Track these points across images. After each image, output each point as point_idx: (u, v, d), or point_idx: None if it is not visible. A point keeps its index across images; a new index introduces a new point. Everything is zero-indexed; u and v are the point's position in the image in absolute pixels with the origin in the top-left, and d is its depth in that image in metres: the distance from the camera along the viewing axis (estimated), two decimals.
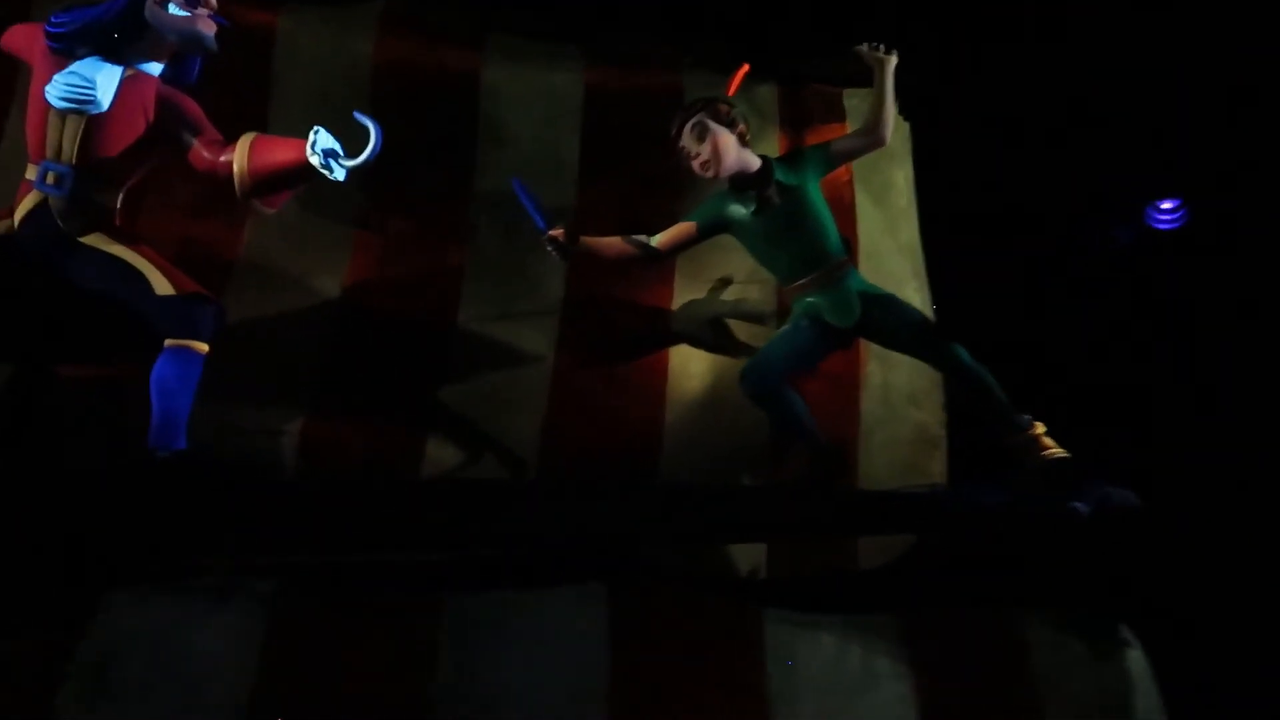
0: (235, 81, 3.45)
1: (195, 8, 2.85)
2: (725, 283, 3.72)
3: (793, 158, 3.34)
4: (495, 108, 3.77)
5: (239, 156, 2.87)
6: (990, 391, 3.12)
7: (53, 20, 2.85)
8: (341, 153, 2.83)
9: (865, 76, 4.02)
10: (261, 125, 3.33)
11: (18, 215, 2.89)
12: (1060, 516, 2.91)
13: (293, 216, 3.51)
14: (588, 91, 3.83)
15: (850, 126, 3.96)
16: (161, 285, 2.83)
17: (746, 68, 3.39)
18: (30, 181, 2.89)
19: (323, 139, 2.81)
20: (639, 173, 3.76)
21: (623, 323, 3.61)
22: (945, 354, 3.15)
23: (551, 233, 3.21)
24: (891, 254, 3.89)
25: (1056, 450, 3.09)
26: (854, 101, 4.09)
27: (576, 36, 3.89)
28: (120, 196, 2.99)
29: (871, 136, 3.29)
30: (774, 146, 3.85)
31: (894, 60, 3.27)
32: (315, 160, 2.79)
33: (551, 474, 3.35)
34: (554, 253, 3.23)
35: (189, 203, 3.44)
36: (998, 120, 3.98)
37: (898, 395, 3.73)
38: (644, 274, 3.60)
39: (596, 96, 3.83)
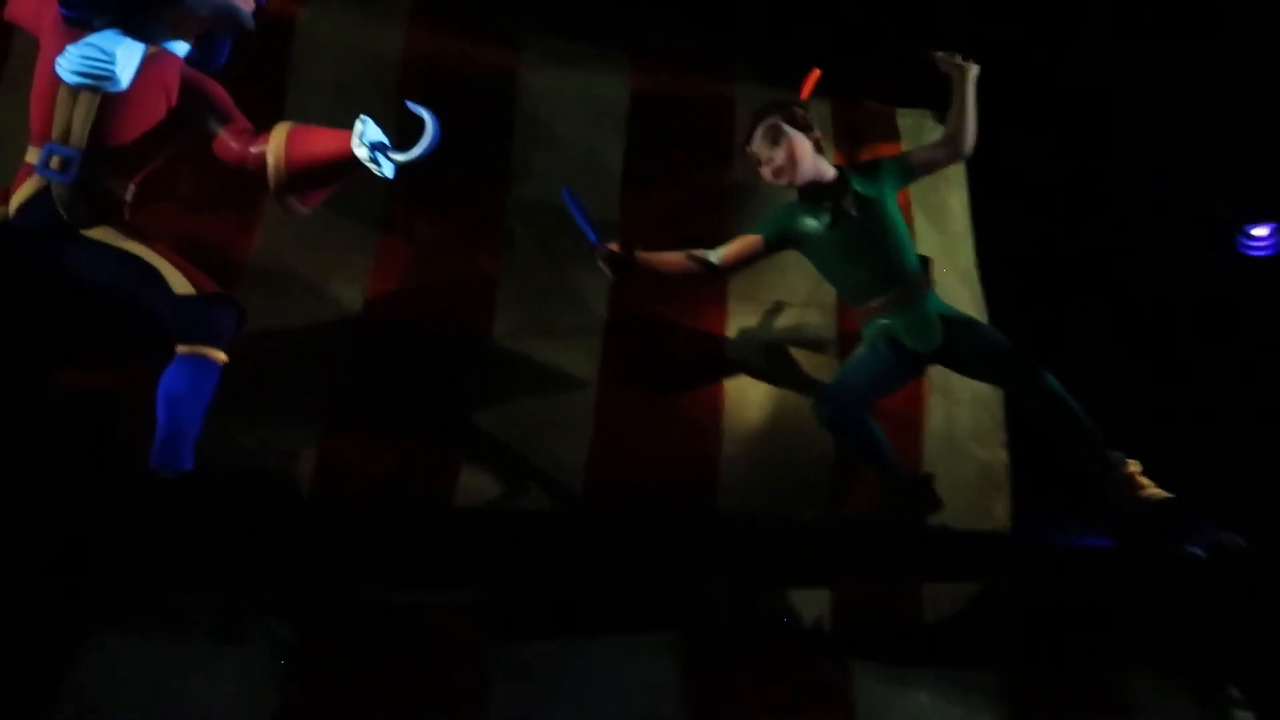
0: (250, 72, 3.13)
1: None
2: (782, 305, 3.44)
3: (869, 168, 3.08)
4: (534, 110, 3.48)
5: (274, 147, 2.56)
6: (1081, 425, 2.86)
7: None
8: (389, 146, 2.52)
9: (917, 95, 3.85)
10: (277, 119, 3.03)
11: (14, 203, 2.54)
12: (1173, 562, 2.63)
13: (309, 216, 3.18)
14: (633, 97, 3.57)
15: (905, 146, 3.75)
16: (180, 284, 2.49)
17: (818, 72, 3.15)
18: (31, 165, 2.54)
19: (370, 130, 2.51)
20: (687, 183, 3.50)
21: (673, 345, 3.31)
22: (1034, 382, 2.88)
23: (609, 246, 2.89)
24: (949, 279, 3.65)
25: (1156, 490, 2.82)
26: (907, 121, 3.89)
27: (620, 39, 3.63)
28: (131, 187, 2.65)
29: (953, 148, 3.05)
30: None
31: (975, 69, 3.04)
32: (362, 153, 2.48)
33: (599, 504, 3.00)
34: (607, 269, 2.91)
35: (191, 197, 3.10)
36: (1077, 143, 3.77)
37: (961, 433, 3.47)
38: (694, 294, 3.31)
39: (643, 102, 3.57)
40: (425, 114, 2.50)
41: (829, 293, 3.41)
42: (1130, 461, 2.86)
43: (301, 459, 2.92)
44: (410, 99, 3.29)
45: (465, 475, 3.01)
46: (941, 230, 3.73)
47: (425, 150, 2.51)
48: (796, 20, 3.70)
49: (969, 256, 3.73)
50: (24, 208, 2.54)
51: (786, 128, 2.97)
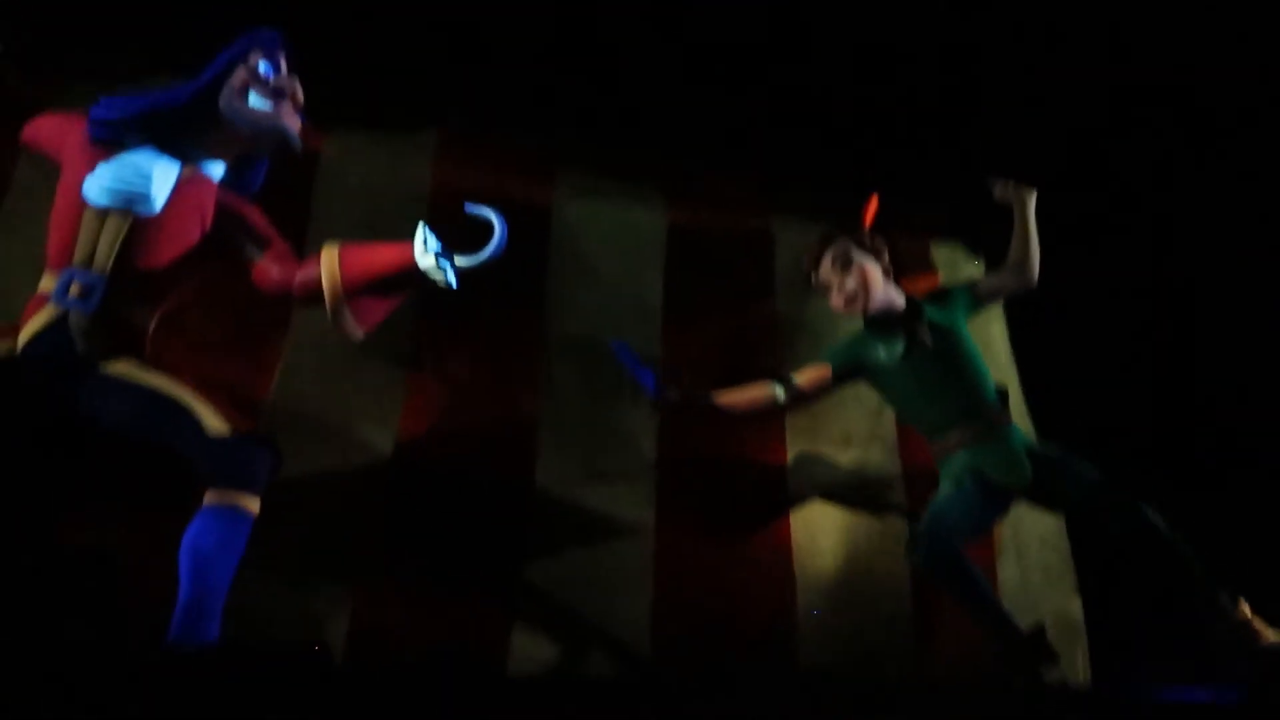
0: (268, 208, 2.97)
1: (280, 100, 2.38)
2: (844, 442, 3.23)
3: (939, 296, 2.95)
4: (570, 243, 3.33)
5: (328, 267, 2.34)
6: (1189, 563, 2.65)
7: (101, 104, 2.34)
8: (452, 253, 2.33)
9: (948, 226, 3.80)
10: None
11: (24, 335, 2.27)
12: None
13: (332, 352, 2.96)
14: (671, 229, 3.44)
15: (942, 278, 3.66)
16: (215, 423, 2.21)
17: (877, 198, 3.05)
18: (46, 294, 2.28)
19: (432, 239, 2.32)
20: (730, 317, 3.34)
21: (730, 487, 3.07)
22: (1136, 518, 2.68)
23: (670, 394, 2.67)
24: None
25: (1277, 635, 2.60)
26: (943, 253, 3.81)
27: (654, 172, 3.53)
28: (153, 318, 2.40)
29: (1020, 275, 2.93)
30: None
31: (1033, 195, 2.97)
32: (428, 261, 2.28)
33: (667, 666, 2.68)
34: (672, 412, 2.68)
35: (202, 334, 2.85)
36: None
37: (1034, 579, 3.23)
38: (749, 432, 3.10)
39: (681, 235, 3.45)
40: (493, 216, 2.32)
41: (889, 427, 3.23)
42: (1242, 602, 2.65)
43: (334, 623, 2.57)
44: (442, 233, 3.12)
45: (517, 638, 2.68)
46: (987, 361, 3.59)
47: (494, 253, 2.32)
48: (829, 154, 3.65)
49: (1015, 387, 3.58)
50: (36, 338, 2.27)
51: (857, 253, 2.85)
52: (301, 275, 2.40)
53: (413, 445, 2.90)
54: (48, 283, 2.31)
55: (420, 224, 2.32)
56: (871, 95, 3.60)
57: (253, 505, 2.23)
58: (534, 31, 3.60)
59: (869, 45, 3.48)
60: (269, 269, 2.43)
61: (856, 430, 3.25)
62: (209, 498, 2.22)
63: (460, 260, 2.32)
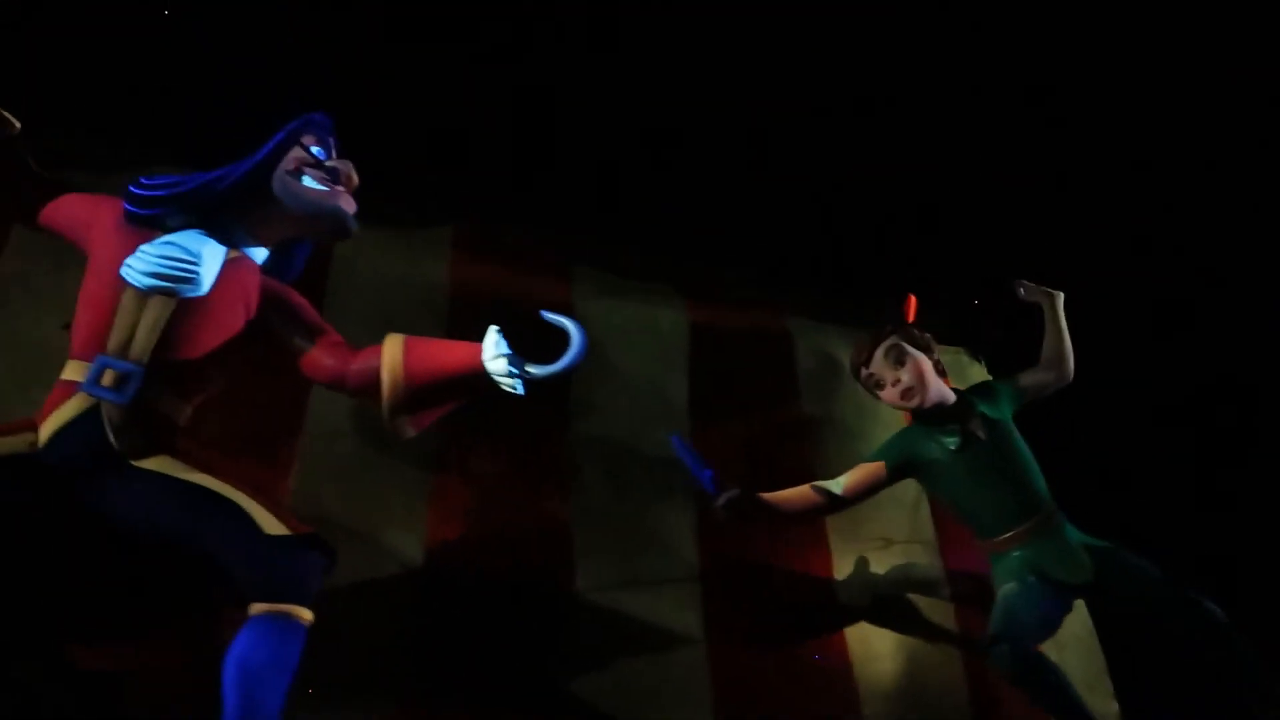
0: None
1: (334, 183, 2.27)
2: (885, 543, 3.14)
3: (984, 391, 2.93)
4: (591, 343, 3.22)
5: (390, 362, 2.19)
6: (1253, 661, 2.60)
7: (141, 183, 2.19)
8: (524, 360, 2.20)
9: (946, 332, 3.83)
10: None
11: (46, 429, 2.04)
12: None
13: (349, 453, 2.77)
14: (693, 329, 3.37)
15: (951, 381, 3.67)
16: (270, 523, 2.00)
17: (914, 298, 3.07)
18: (72, 383, 2.07)
19: (503, 344, 2.18)
20: (756, 416, 3.26)
21: (779, 592, 2.92)
22: (1197, 613, 2.63)
23: (727, 495, 2.56)
24: None
25: None
26: (947, 358, 3.82)
27: (668, 272, 3.49)
28: (188, 411, 2.20)
29: (1058, 371, 2.94)
30: None
31: (1061, 295, 3.03)
32: (499, 366, 2.14)
33: None
34: (728, 515, 2.57)
35: (214, 435, 2.63)
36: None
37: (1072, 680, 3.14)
38: (791, 536, 2.99)
39: (702, 334, 3.38)
40: (569, 325, 2.20)
41: (927, 526, 3.16)
42: None
43: None
44: (461, 330, 2.99)
45: None
46: None
47: (571, 363, 2.19)
48: (838, 257, 3.69)
49: None
50: (63, 432, 2.04)
51: (909, 348, 2.82)
52: (358, 365, 2.25)
53: (444, 550, 2.69)
54: (74, 371, 2.10)
55: (492, 328, 2.20)
56: (878, 201, 3.67)
57: (306, 615, 2.00)
58: (541, 131, 3.59)
59: (876, 150, 3.57)
60: (320, 358, 2.27)
61: (896, 531, 3.16)
62: (257, 609, 1.98)
63: (533, 370, 2.18)
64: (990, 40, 3.49)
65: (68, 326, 2.44)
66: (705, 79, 3.47)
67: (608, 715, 2.54)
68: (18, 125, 2.21)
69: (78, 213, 2.29)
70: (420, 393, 2.20)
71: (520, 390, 2.20)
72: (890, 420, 3.35)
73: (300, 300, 2.36)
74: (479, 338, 2.38)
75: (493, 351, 2.17)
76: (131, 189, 2.19)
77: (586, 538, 2.86)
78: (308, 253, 2.49)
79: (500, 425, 2.96)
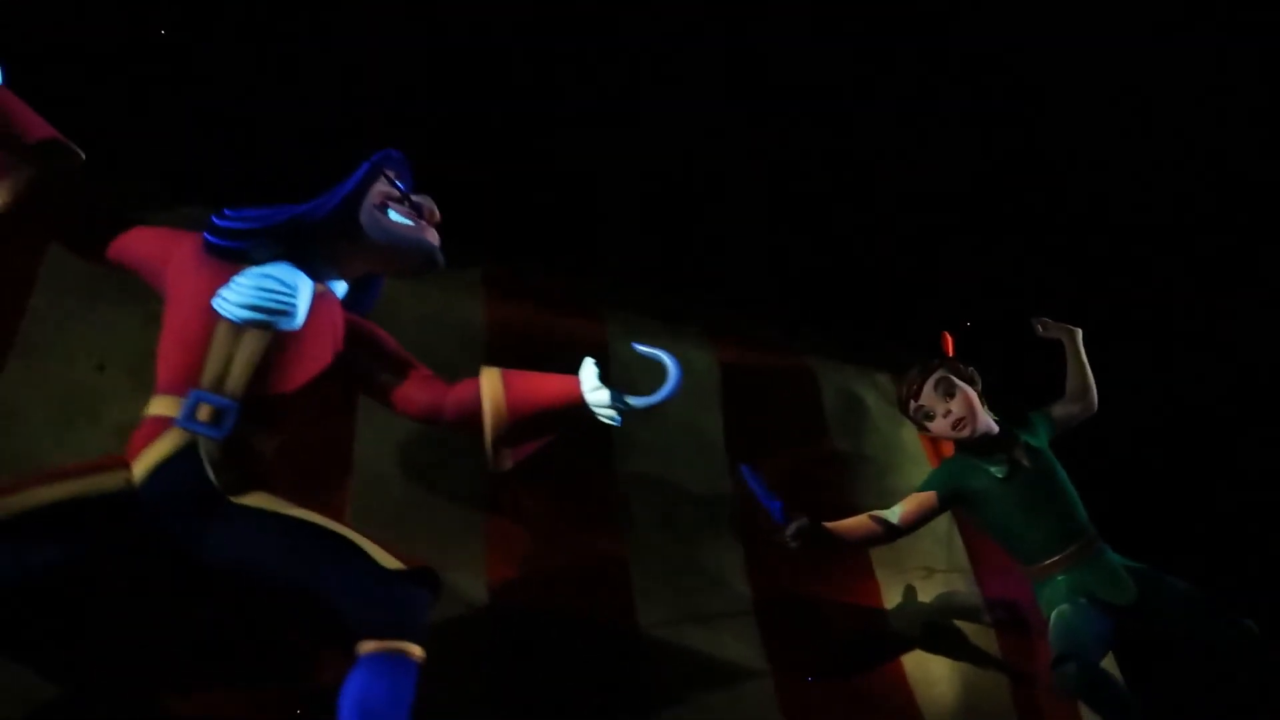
0: None
1: (419, 217, 2.28)
2: (929, 572, 3.20)
3: (1023, 421, 3.04)
4: (629, 379, 3.25)
5: (491, 394, 2.21)
6: None
7: (227, 215, 2.16)
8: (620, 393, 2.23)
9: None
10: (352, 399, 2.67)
11: (141, 466, 1.99)
12: None
13: (397, 496, 2.73)
14: (723, 369, 3.43)
15: None
16: (385, 558, 1.98)
17: (949, 335, 3.19)
18: (164, 419, 2.01)
19: (597, 374, 2.22)
20: (789, 453, 3.32)
21: (834, 624, 2.96)
22: (1236, 629, 2.76)
23: (797, 524, 2.61)
24: None
25: None
26: None
27: (695, 314, 3.56)
28: (273, 445, 2.17)
29: (1083, 402, 3.09)
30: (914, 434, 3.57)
31: (1079, 331, 3.18)
32: (600, 397, 2.17)
33: None
34: (794, 544, 2.61)
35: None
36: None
37: None
38: (837, 569, 3.04)
39: (733, 375, 3.43)
40: (665, 357, 2.24)
41: (962, 556, 3.25)
42: None
43: None
44: (505, 364, 3.01)
45: None
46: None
47: (669, 394, 2.22)
48: (853, 301, 3.80)
49: None
50: (160, 470, 1.98)
51: (957, 380, 2.92)
52: (455, 397, 2.25)
53: (507, 590, 2.66)
54: (165, 406, 2.05)
55: (588, 361, 2.23)
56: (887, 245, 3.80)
57: (418, 652, 1.97)
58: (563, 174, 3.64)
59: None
60: (412, 392, 2.27)
61: (936, 561, 3.24)
62: (368, 647, 1.94)
63: (633, 401, 2.22)
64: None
65: (101, 367, 2.39)
66: (726, 133, 3.57)
67: None
68: (82, 156, 2.16)
69: (151, 247, 2.24)
70: (522, 425, 2.21)
71: (618, 421, 2.22)
72: (916, 453, 3.45)
73: (385, 334, 2.35)
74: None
75: (592, 383, 2.19)
76: (217, 221, 2.16)
77: (644, 576, 2.86)
78: (380, 288, 2.48)
79: (548, 465, 2.95)
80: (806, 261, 3.73)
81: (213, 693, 2.06)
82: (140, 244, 2.24)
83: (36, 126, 2.07)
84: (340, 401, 2.74)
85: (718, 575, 2.93)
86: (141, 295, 2.40)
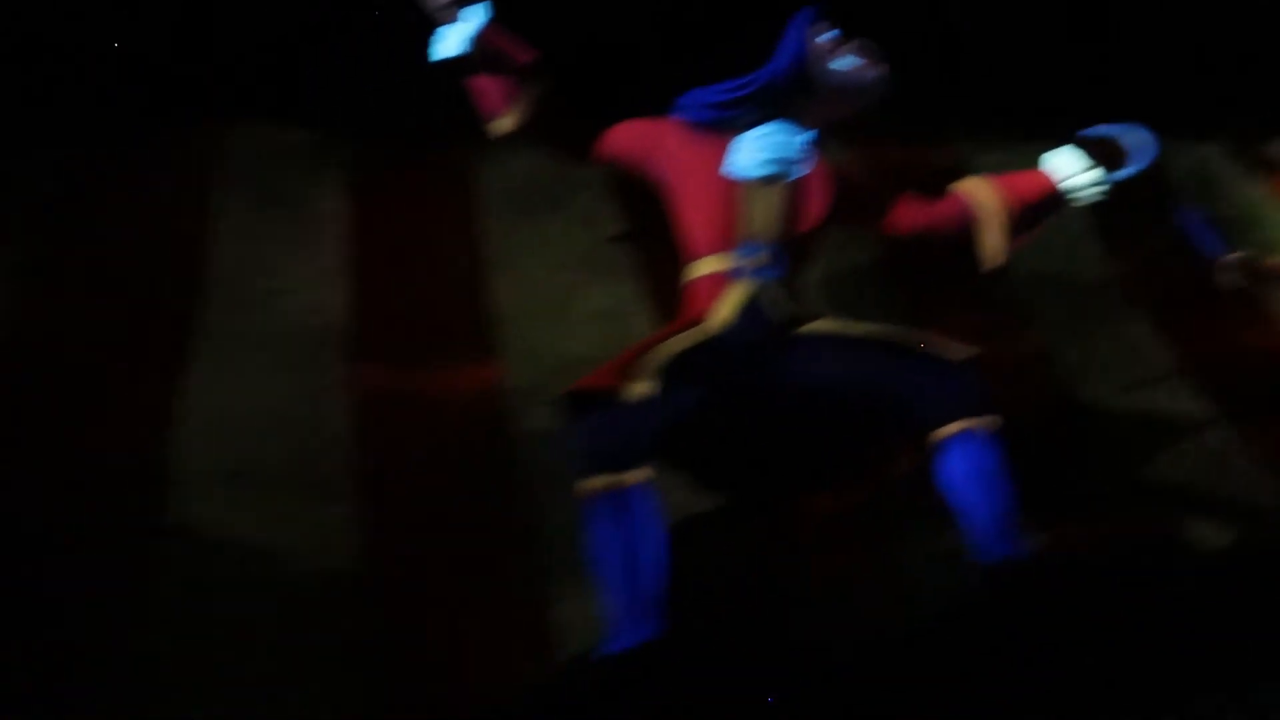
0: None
1: (861, 57, 2.46)
2: None
3: None
4: None
5: (985, 195, 2.43)
6: None
7: (702, 92, 2.34)
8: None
9: None
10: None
11: (720, 315, 2.22)
12: None
13: None
14: None
15: None
16: (953, 350, 2.23)
17: None
18: (719, 274, 2.24)
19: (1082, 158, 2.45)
20: None
21: None
22: None
23: (1239, 255, 2.62)
24: None
25: None
26: None
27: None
28: (808, 279, 2.43)
29: None
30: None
31: None
32: (1083, 180, 2.42)
33: None
34: (1234, 281, 2.65)
35: None
36: None
37: None
38: None
39: None
40: (1131, 130, 2.45)
41: None
42: None
43: None
44: None
45: None
46: None
47: (1149, 162, 2.47)
48: None
49: None
50: (738, 315, 2.22)
51: None
52: (943, 209, 2.44)
53: None
54: (717, 263, 2.25)
55: (1067, 147, 2.33)
56: None
57: (993, 422, 2.22)
58: None
59: None
60: (904, 214, 2.46)
61: None
62: (951, 429, 2.18)
63: (1117, 174, 2.43)
64: None
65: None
66: None
67: None
68: (537, 55, 2.32)
69: (643, 139, 2.39)
70: (1023, 218, 2.44)
71: (1099, 197, 2.44)
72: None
73: (858, 170, 2.54)
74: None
75: (1079, 166, 2.40)
76: (699, 95, 2.32)
77: None
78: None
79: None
80: None
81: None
82: (633, 135, 2.39)
83: (523, 50, 2.25)
84: None
85: None
86: (565, 202, 2.88)
